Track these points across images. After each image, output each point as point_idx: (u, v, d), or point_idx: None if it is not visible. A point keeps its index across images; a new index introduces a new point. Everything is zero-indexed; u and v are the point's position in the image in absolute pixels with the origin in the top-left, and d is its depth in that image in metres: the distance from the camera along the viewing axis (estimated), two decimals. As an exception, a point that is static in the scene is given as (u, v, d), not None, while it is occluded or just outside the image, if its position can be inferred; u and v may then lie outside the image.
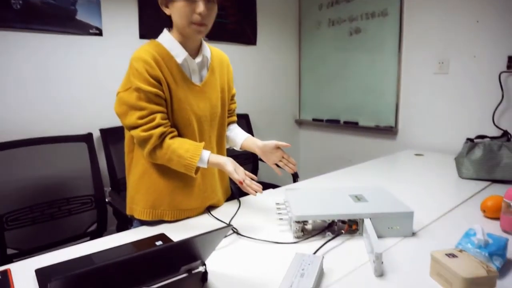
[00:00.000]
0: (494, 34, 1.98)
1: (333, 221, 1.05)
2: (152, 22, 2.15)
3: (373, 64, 2.54)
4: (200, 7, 1.03)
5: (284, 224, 1.14)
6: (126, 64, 1.08)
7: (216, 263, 0.90)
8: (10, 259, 1.49)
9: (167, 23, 1.13)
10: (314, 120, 3.01)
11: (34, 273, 0.85)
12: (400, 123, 2.47)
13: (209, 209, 1.26)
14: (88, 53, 1.98)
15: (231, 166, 1.08)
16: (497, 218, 1.12)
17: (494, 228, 1.09)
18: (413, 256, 0.94)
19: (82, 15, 1.92)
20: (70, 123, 1.94)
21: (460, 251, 0.83)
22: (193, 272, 0.86)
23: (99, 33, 2.00)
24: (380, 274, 0.85)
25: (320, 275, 0.84)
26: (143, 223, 1.18)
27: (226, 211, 1.26)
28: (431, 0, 2.22)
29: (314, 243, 1.00)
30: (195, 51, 1.15)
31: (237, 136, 1.32)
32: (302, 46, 3.03)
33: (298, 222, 1.03)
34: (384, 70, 2.48)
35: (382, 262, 0.86)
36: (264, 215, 1.21)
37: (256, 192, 1.07)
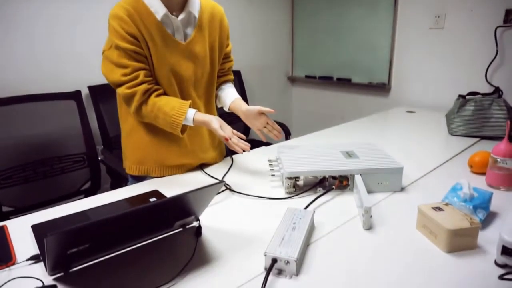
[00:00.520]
0: (493, -14, 1.92)
1: (324, 177, 1.06)
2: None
3: (368, 19, 2.47)
4: None
5: (276, 180, 1.16)
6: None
7: (210, 219, 0.93)
8: (7, 216, 1.51)
9: None
10: (306, 77, 2.97)
11: (30, 229, 0.87)
12: (393, 80, 2.45)
13: (202, 166, 1.27)
14: (74, 8, 1.88)
15: (216, 123, 1.08)
16: (484, 173, 1.15)
17: (480, 182, 1.13)
18: (401, 210, 0.97)
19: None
20: (57, 81, 1.89)
21: (446, 204, 0.86)
22: (187, 227, 0.88)
23: (82, -16, 1.89)
24: (369, 227, 0.88)
25: (311, 228, 0.86)
26: (136, 179, 1.20)
27: (219, 168, 1.27)
28: (431, -50, 2.12)
29: (305, 198, 1.03)
30: (179, 7, 1.10)
31: (227, 97, 1.28)
32: (295, 1, 2.91)
33: (290, 178, 1.05)
34: (379, 25, 2.42)
35: (371, 216, 0.89)
36: (257, 172, 1.23)
37: (243, 150, 1.07)
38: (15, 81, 1.77)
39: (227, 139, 1.07)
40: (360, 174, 1.04)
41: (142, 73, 1.06)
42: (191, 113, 1.09)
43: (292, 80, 3.13)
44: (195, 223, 0.89)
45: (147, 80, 1.07)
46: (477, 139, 1.60)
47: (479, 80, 2.03)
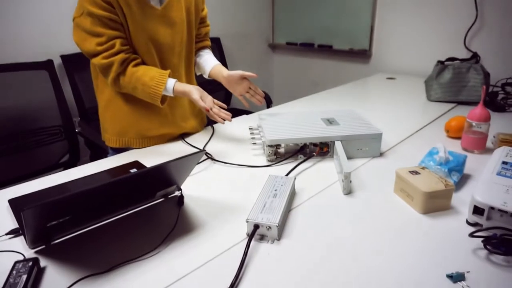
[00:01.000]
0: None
1: (305, 144, 1.07)
2: None
3: (350, -17, 2.41)
4: None
5: (257, 148, 1.16)
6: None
7: (192, 188, 0.93)
8: (-17, 192, 1.47)
9: None
10: (287, 43, 2.92)
11: (7, 204, 0.85)
12: (374, 46, 2.44)
13: (183, 136, 1.26)
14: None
15: (197, 94, 1.06)
16: (460, 138, 1.19)
17: (456, 146, 1.16)
18: (379, 175, 0.99)
19: None
20: (27, 50, 1.79)
21: (423, 168, 0.88)
22: (169, 197, 0.88)
23: None
24: (348, 192, 0.90)
25: (292, 194, 0.88)
26: (116, 151, 1.18)
27: (200, 137, 1.26)
28: None
29: (286, 165, 1.04)
30: None
31: (206, 63, 1.25)
32: (276, -39, 2.81)
33: (271, 146, 1.05)
34: (361, -11, 2.37)
35: (351, 181, 0.91)
36: (238, 141, 1.23)
37: (224, 120, 1.06)
38: (-19, 51, 1.68)
39: (208, 110, 1.05)
40: (340, 141, 1.05)
41: (118, 41, 1.01)
42: (171, 83, 1.06)
43: (273, 47, 3.08)
44: (177, 193, 0.89)
45: (124, 49, 1.03)
46: (454, 104, 1.63)
47: (458, 45, 2.04)
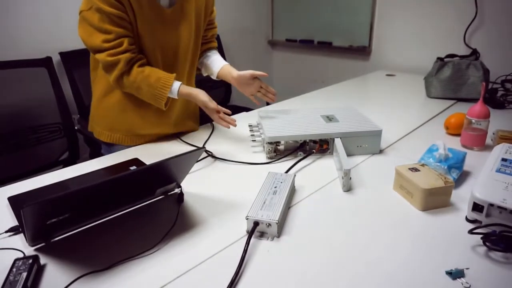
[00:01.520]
0: None
1: (304, 141, 1.07)
2: None
3: (350, -21, 2.40)
4: None
5: (257, 145, 1.16)
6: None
7: (192, 185, 0.93)
8: (-18, 189, 1.47)
9: None
10: (287, 40, 2.91)
11: (7, 201, 0.85)
12: (373, 43, 2.43)
13: (178, 135, 1.25)
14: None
15: (205, 96, 1.05)
16: (459, 134, 1.19)
17: (455, 143, 1.16)
18: (379, 171, 0.99)
19: None
20: (25, 47, 1.79)
21: (422, 165, 0.89)
22: (169, 194, 0.88)
23: None
24: (348, 189, 0.90)
25: (292, 192, 0.88)
26: (108, 145, 1.18)
27: (199, 135, 1.26)
28: None
29: (286, 163, 1.04)
30: None
31: (214, 64, 1.22)
32: (275, -42, 2.80)
33: (270, 143, 1.05)
34: (361, -15, 2.36)
35: (350, 178, 0.91)
36: (238, 138, 1.22)
37: (229, 125, 1.06)
38: (-21, 48, 1.67)
39: (218, 111, 1.05)
40: (340, 138, 1.05)
41: (126, 40, 1.00)
42: (176, 85, 1.05)
43: (273, 44, 3.07)
44: (177, 190, 0.89)
45: (131, 49, 1.02)
46: (454, 101, 1.63)
47: (458, 42, 2.04)
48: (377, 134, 1.08)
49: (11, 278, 0.59)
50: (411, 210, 0.81)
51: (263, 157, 1.08)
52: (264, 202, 0.77)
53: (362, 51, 2.50)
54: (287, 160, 1.06)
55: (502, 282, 0.61)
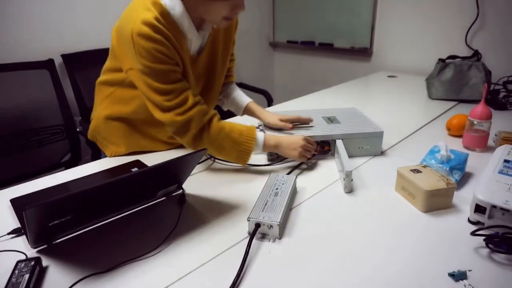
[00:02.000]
0: None
1: (306, 143, 1.07)
2: None
3: (351, -19, 2.41)
4: (242, 6, 0.87)
5: (259, 147, 1.16)
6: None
7: (193, 187, 0.93)
8: (-16, 191, 1.47)
9: None
10: (288, 42, 2.91)
11: (9, 203, 0.85)
12: (375, 44, 2.43)
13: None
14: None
15: (289, 152, 0.99)
16: (461, 136, 1.18)
17: (457, 145, 1.16)
18: (380, 173, 0.99)
19: None
20: (27, 49, 1.79)
21: (424, 166, 0.88)
22: (171, 195, 0.88)
23: None
24: (350, 190, 0.90)
25: (293, 193, 0.88)
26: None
27: (201, 136, 1.26)
28: None
29: (288, 164, 1.04)
30: (199, 21, 0.96)
31: (238, 102, 1.17)
32: (276, -40, 2.81)
33: (272, 145, 1.05)
34: (362, -13, 2.36)
35: (352, 180, 0.91)
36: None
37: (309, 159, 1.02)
38: (-18, 50, 1.68)
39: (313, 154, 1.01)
40: (342, 139, 1.05)
41: (189, 93, 0.91)
42: (261, 136, 0.97)
43: (274, 45, 3.07)
44: (179, 192, 0.89)
45: (198, 100, 0.92)
46: (456, 102, 1.63)
47: (459, 43, 2.03)
48: (379, 135, 1.08)
49: (13, 280, 0.59)
50: (413, 212, 0.81)
51: (264, 159, 1.08)
52: (266, 204, 0.77)
53: (363, 53, 2.50)
54: (288, 161, 1.06)
55: (505, 284, 0.60)
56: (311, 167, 1.03)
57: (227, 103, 1.22)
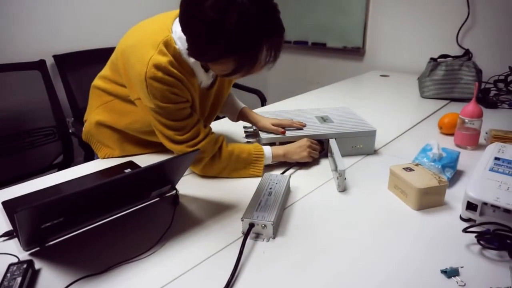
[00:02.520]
0: None
1: (299, 143, 1.07)
2: None
3: (343, -20, 2.41)
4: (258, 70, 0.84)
5: (252, 147, 1.16)
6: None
7: (187, 187, 0.93)
8: (-24, 194, 1.46)
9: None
10: (282, 42, 2.92)
11: (1, 205, 0.84)
12: (367, 44, 2.44)
13: None
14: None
15: (298, 155, 1.01)
16: (453, 134, 1.19)
17: (449, 143, 1.17)
18: (373, 172, 1.00)
19: None
20: (18, 50, 1.77)
21: (417, 165, 0.89)
22: (164, 196, 0.88)
23: None
24: (343, 189, 0.90)
25: (287, 193, 0.88)
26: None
27: (194, 137, 1.26)
28: None
29: (281, 164, 1.04)
30: None
31: (234, 106, 1.18)
32: (269, -41, 2.80)
33: (265, 144, 1.05)
34: (354, -14, 2.37)
35: (345, 179, 0.91)
36: (232, 140, 1.22)
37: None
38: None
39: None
40: (335, 138, 1.05)
41: (200, 126, 0.93)
42: (268, 150, 1.00)
43: (267, 45, 3.07)
44: (172, 192, 0.89)
45: (208, 131, 0.95)
46: (447, 101, 1.64)
47: (451, 42, 2.05)
48: (372, 134, 1.08)
49: (5, 283, 0.59)
50: (406, 210, 0.82)
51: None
52: (260, 203, 0.77)
53: (356, 52, 2.51)
54: (282, 161, 1.06)
55: (496, 279, 0.61)
56: (304, 166, 1.03)
57: (222, 110, 1.22)
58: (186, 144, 0.92)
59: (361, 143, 1.08)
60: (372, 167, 1.02)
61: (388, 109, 1.55)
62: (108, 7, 2.03)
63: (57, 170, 1.69)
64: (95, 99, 1.09)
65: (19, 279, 0.60)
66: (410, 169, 0.86)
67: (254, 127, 1.17)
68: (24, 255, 0.69)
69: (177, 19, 0.87)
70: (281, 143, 1.05)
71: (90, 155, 1.31)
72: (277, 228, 0.76)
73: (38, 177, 1.00)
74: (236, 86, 2.27)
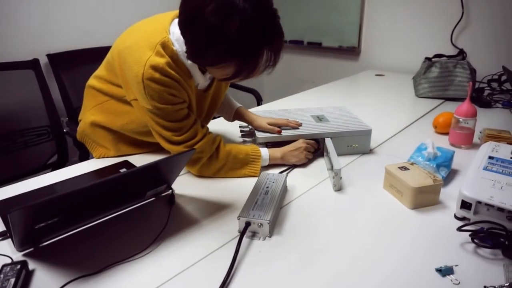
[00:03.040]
0: None
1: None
2: None
3: (338, -20, 2.42)
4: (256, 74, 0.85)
5: (248, 146, 1.16)
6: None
7: (183, 187, 0.92)
8: (-32, 194, 1.44)
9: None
10: (277, 41, 2.92)
11: (-6, 206, 0.84)
12: (363, 43, 2.45)
13: None
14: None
15: (296, 157, 1.02)
16: (447, 133, 1.20)
17: (444, 142, 1.18)
18: (369, 171, 1.00)
19: None
20: (12, 49, 1.76)
21: (412, 164, 0.89)
22: (160, 196, 0.88)
23: None
24: (339, 188, 0.91)
25: (284, 192, 0.88)
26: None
27: (190, 136, 1.26)
28: None
29: (277, 163, 1.04)
30: None
31: (230, 106, 1.18)
32: (264, -41, 2.80)
33: (261, 143, 1.05)
34: (349, -14, 2.38)
35: (341, 178, 0.91)
36: (228, 139, 1.22)
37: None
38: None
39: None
40: (330, 138, 1.06)
41: (198, 126, 0.93)
42: (265, 152, 1.00)
43: (263, 45, 3.07)
44: (168, 192, 0.89)
45: (205, 131, 0.94)
46: (442, 100, 1.65)
47: (445, 42, 2.06)
48: (367, 133, 1.09)
49: (-1, 284, 0.58)
50: (401, 209, 0.82)
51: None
52: (256, 202, 0.77)
53: (351, 52, 2.52)
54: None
55: (490, 278, 0.62)
56: (301, 166, 1.03)
57: (218, 110, 1.22)
58: (183, 145, 0.92)
59: (356, 143, 1.09)
60: (368, 166, 1.03)
61: (383, 108, 1.55)
62: (103, 6, 2.01)
63: (51, 170, 1.68)
64: (90, 99, 1.08)
65: (12, 280, 0.59)
66: (405, 168, 0.87)
67: (250, 127, 1.17)
68: (17, 256, 0.68)
69: (175, 21, 0.87)
70: (277, 143, 1.05)
71: (85, 155, 1.30)
72: (274, 227, 0.76)
73: (32, 177, 0.99)
74: (232, 85, 2.27)
